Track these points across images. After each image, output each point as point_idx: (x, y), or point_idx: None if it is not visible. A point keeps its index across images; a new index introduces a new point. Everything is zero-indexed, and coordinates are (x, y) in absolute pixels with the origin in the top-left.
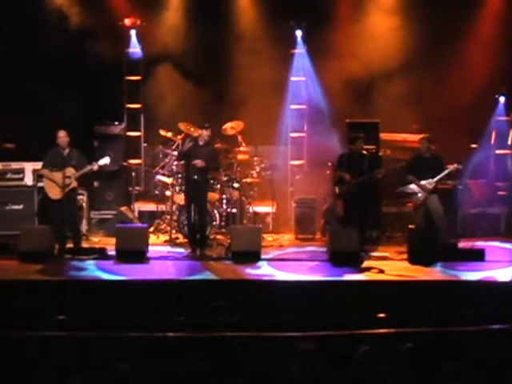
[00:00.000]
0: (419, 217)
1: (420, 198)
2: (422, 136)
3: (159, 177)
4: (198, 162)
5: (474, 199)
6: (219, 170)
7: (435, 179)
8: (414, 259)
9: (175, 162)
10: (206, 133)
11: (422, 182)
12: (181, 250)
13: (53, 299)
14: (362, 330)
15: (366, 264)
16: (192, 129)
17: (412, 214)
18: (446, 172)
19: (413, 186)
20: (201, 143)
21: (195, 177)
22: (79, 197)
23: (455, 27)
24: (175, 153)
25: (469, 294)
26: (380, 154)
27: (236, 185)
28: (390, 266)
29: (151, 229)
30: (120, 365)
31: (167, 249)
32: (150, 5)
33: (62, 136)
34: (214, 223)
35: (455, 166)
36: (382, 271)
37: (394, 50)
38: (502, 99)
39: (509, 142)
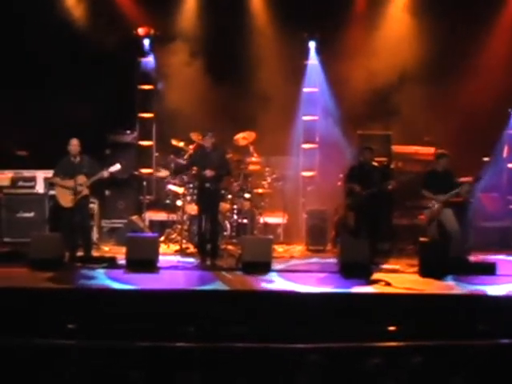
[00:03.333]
0: (433, 229)
1: (434, 211)
2: (441, 152)
3: (170, 186)
4: (207, 173)
5: (485, 213)
6: (230, 174)
7: (447, 195)
8: (424, 272)
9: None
10: (208, 140)
11: (436, 196)
12: (191, 259)
13: (63, 307)
14: (372, 342)
15: (376, 276)
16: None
17: (426, 226)
18: (457, 190)
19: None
20: (208, 150)
21: (207, 185)
22: (90, 205)
23: (470, 39)
24: None
25: (480, 308)
26: (392, 166)
27: (247, 195)
28: (400, 278)
29: (162, 238)
30: (131, 374)
31: (177, 258)
32: (164, 13)
33: (75, 144)
34: (225, 233)
35: (467, 180)
36: (392, 284)
37: (409, 61)
38: None
39: None
